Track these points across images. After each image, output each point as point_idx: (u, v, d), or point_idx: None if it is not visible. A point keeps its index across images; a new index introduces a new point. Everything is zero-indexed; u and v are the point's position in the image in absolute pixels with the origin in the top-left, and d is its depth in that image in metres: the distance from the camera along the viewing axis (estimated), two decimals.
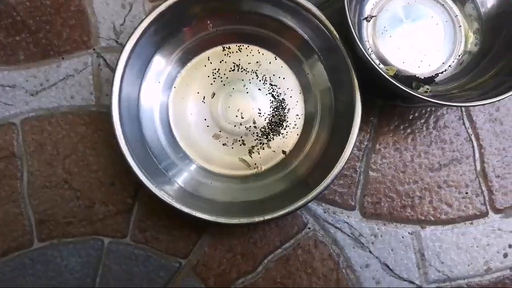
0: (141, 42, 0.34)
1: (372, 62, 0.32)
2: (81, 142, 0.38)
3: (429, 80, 0.40)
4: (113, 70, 0.32)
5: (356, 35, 0.32)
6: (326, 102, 0.38)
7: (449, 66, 0.40)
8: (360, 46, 0.32)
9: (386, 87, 0.37)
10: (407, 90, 0.32)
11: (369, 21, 0.40)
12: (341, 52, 0.34)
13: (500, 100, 0.32)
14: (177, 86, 0.38)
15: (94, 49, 0.39)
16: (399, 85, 0.33)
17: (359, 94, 0.34)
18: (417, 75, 0.40)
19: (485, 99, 0.33)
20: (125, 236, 0.37)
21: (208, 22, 0.37)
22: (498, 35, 0.38)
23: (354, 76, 0.34)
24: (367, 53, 0.32)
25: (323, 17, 0.34)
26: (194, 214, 0.32)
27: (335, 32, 0.34)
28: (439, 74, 0.40)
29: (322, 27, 0.35)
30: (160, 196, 0.32)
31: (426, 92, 0.39)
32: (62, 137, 0.38)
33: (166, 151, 0.37)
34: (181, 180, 0.36)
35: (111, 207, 0.38)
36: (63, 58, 0.39)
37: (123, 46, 0.33)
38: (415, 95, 0.33)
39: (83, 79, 0.38)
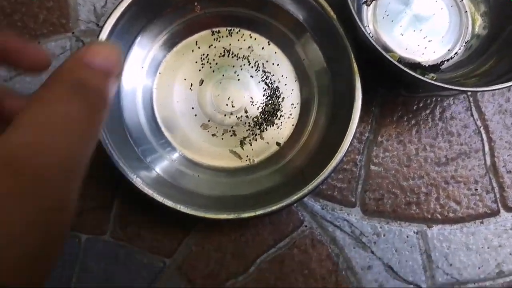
0: (121, 24, 0.31)
1: (374, 44, 0.30)
2: None
3: (435, 67, 0.37)
4: None
5: (357, 17, 0.30)
6: (323, 89, 0.35)
7: (456, 53, 0.38)
8: (362, 27, 0.30)
9: (389, 73, 0.34)
10: (412, 73, 0.30)
11: (369, 5, 0.38)
12: (339, 33, 0.32)
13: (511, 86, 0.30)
14: (162, 72, 0.35)
15: (73, 33, 0.36)
16: (404, 68, 0.30)
17: (359, 79, 0.31)
18: (421, 63, 0.37)
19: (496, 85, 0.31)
20: (104, 232, 0.34)
21: (196, 3, 0.35)
22: (508, 18, 0.36)
23: (353, 60, 0.32)
24: (368, 36, 0.30)
25: None
26: (178, 208, 0.29)
27: (332, 13, 0.32)
28: (445, 62, 0.37)
29: (319, 7, 0.32)
30: (137, 185, 0.29)
31: (431, 79, 0.36)
32: None
33: (146, 136, 0.34)
34: (160, 168, 0.33)
35: (89, 200, 0.34)
36: (39, 42, 0.36)
37: (100, 28, 0.30)
38: (421, 79, 0.30)
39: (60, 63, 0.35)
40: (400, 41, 0.37)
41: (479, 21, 0.37)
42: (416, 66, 0.37)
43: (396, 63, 0.30)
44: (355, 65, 0.31)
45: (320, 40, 0.35)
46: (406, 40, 0.37)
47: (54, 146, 0.14)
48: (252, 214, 0.29)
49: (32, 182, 0.13)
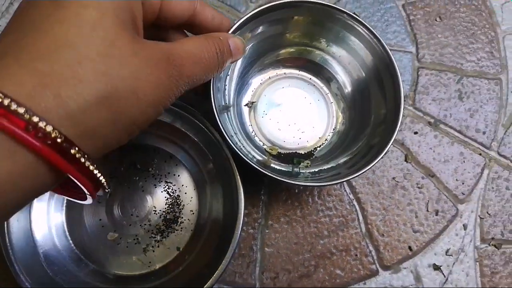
0: None
1: (237, 151, 0.34)
2: None
3: (309, 154, 0.44)
4: None
5: (223, 126, 0.34)
6: (216, 197, 0.40)
7: (326, 140, 0.44)
8: (227, 137, 0.34)
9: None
10: (270, 174, 0.35)
11: (250, 107, 0.45)
12: (219, 142, 0.37)
13: (367, 170, 0.36)
14: None
15: None
16: (266, 172, 0.35)
17: (239, 179, 0.36)
18: (298, 151, 0.44)
19: (353, 173, 0.36)
20: None
21: None
22: (355, 112, 0.43)
23: (232, 161, 0.36)
24: (232, 143, 0.34)
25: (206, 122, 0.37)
26: None
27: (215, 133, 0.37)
28: (318, 148, 0.44)
29: (205, 128, 0.38)
30: None
31: (306, 166, 0.42)
32: None
33: (61, 256, 0.37)
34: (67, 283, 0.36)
35: None
36: None
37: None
38: (279, 179, 0.35)
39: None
40: (278, 135, 0.44)
41: (340, 117, 0.44)
42: (293, 155, 0.43)
43: (255, 164, 0.34)
44: (235, 167, 0.36)
45: (207, 149, 0.40)
46: (283, 134, 0.44)
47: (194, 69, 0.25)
48: None
49: (177, 76, 0.23)
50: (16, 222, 0.35)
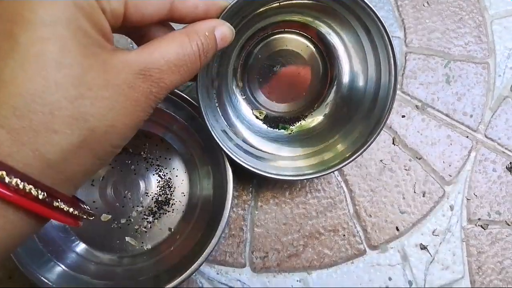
0: None
1: (213, 133, 0.35)
2: None
3: (296, 120, 0.44)
4: None
5: (210, 126, 0.35)
6: (206, 180, 0.41)
7: (313, 109, 0.43)
8: (206, 119, 0.34)
9: None
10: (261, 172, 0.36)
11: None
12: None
13: (355, 158, 0.37)
14: None
15: None
16: (252, 169, 0.36)
17: (230, 171, 0.37)
18: (285, 117, 0.43)
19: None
20: None
21: None
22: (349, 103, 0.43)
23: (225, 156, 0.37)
24: (210, 125, 0.35)
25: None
26: None
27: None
28: (306, 116, 0.43)
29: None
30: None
31: (290, 133, 0.43)
32: None
33: (54, 233, 0.38)
34: (65, 263, 0.37)
35: None
36: None
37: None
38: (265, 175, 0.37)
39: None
40: (266, 99, 0.43)
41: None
42: (279, 120, 0.43)
43: (237, 157, 0.36)
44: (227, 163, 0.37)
45: (197, 132, 0.41)
46: (274, 96, 0.43)
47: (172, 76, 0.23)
48: None
49: (156, 92, 0.22)
50: None
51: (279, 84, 0.43)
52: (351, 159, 0.37)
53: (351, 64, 0.42)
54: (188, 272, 0.36)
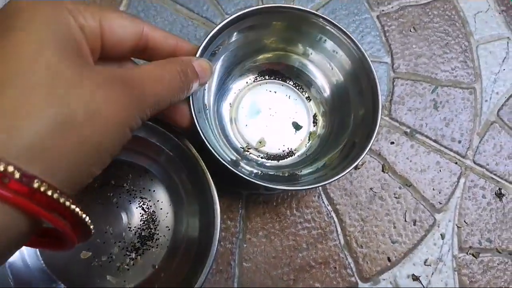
0: None
1: (211, 149, 0.33)
2: None
3: (289, 154, 0.43)
4: None
5: (202, 135, 0.33)
6: (192, 212, 0.39)
7: (306, 145, 0.43)
8: (203, 135, 0.33)
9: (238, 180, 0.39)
10: (248, 179, 0.34)
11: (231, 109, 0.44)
12: (196, 161, 0.36)
13: (343, 175, 0.35)
14: None
15: None
16: (240, 174, 0.34)
17: (215, 192, 0.35)
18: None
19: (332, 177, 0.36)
20: None
21: None
22: (336, 117, 0.43)
23: (207, 173, 0.35)
24: (207, 141, 0.33)
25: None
26: None
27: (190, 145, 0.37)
28: (298, 150, 0.43)
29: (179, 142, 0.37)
30: None
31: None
32: None
33: (31, 275, 0.36)
34: None
35: None
36: None
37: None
38: (249, 180, 0.35)
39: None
40: (257, 139, 0.43)
41: (320, 121, 0.44)
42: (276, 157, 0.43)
43: (229, 166, 0.33)
44: (209, 178, 0.35)
45: (183, 162, 0.39)
46: (265, 137, 0.43)
47: (156, 90, 0.24)
48: None
49: (138, 96, 0.22)
50: None
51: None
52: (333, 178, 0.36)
53: (330, 83, 0.44)
54: None
